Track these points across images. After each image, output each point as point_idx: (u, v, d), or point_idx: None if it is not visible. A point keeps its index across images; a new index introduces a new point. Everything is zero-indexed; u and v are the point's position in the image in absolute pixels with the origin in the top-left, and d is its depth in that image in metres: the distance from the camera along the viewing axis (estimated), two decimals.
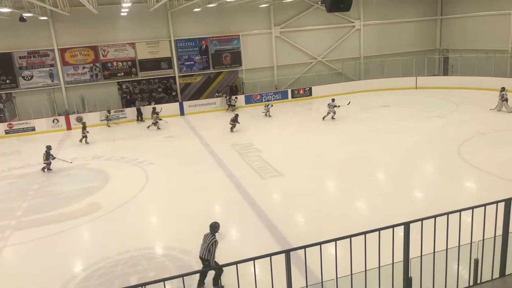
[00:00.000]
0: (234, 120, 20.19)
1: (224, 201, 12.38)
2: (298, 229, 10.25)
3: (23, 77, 24.80)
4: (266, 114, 23.26)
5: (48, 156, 15.84)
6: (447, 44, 31.90)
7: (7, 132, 23.23)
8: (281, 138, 18.72)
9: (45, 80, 25.19)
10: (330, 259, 4.33)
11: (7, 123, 23.45)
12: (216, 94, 27.77)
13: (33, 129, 23.55)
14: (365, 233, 3.97)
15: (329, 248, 4.26)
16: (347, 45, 30.79)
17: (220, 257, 7.65)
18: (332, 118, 21.09)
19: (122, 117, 24.81)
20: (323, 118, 21.23)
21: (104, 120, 23.80)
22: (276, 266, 3.98)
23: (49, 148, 16.07)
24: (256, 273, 3.98)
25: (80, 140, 20.22)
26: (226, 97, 26.32)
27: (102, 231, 10.87)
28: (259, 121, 22.50)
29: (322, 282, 4.34)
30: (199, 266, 8.50)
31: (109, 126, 23.73)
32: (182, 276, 3.68)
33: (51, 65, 25.12)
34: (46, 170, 15.96)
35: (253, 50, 28.66)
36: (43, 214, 12.11)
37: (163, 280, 3.59)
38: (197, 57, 27.66)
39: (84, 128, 20.31)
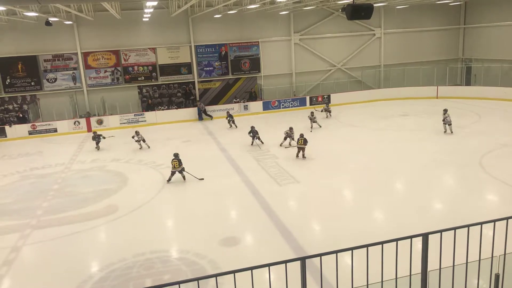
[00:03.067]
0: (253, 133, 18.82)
1: (239, 206, 12.38)
2: (313, 237, 10.16)
3: (47, 80, 25.45)
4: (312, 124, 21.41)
5: (180, 163, 14.50)
6: (470, 54, 31.34)
7: (30, 133, 23.85)
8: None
9: (68, 82, 25.79)
10: (346, 268, 4.28)
11: (30, 124, 24.08)
12: (234, 100, 27.92)
13: (55, 130, 24.11)
14: (382, 243, 3.90)
15: (345, 257, 4.21)
16: (367, 53, 30.57)
17: (235, 262, 7.65)
18: (446, 131, 18.65)
19: (142, 121, 25.17)
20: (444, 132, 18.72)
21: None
22: (291, 274, 3.95)
23: (176, 156, 14.66)
24: (271, 280, 3.96)
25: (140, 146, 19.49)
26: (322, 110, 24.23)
27: (119, 233, 11.00)
28: (276, 127, 22.48)
29: None
30: (213, 270, 8.52)
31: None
32: (197, 279, 3.69)
33: (74, 68, 25.72)
34: (184, 178, 14.48)
35: (272, 56, 28.74)
36: (62, 214, 12.34)
37: (178, 283, 3.61)
38: (216, 63, 27.90)
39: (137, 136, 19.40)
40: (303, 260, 3.69)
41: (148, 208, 12.40)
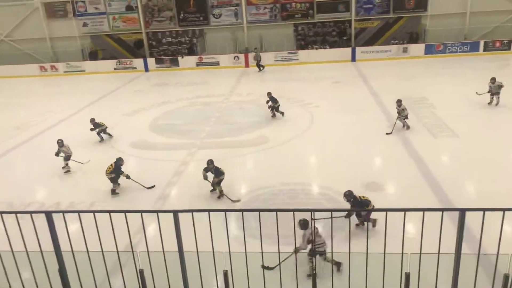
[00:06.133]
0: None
1: (386, 154, 11.95)
2: (465, 195, 9.32)
3: (213, 15, 27.48)
4: None
5: (117, 170, 9.85)
6: None
7: (197, 65, 26.62)
8: (461, 95, 16.63)
9: (230, 18, 27.42)
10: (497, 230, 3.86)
11: (198, 57, 26.78)
12: (392, 41, 25.92)
13: (217, 63, 26.37)
14: None
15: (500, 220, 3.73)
16: None
17: (377, 206, 7.61)
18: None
19: (295, 59, 25.56)
20: None
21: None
22: (431, 225, 3.72)
23: (119, 162, 9.95)
24: (405, 227, 3.80)
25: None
26: None
27: (267, 162, 11.86)
28: (438, 75, 20.34)
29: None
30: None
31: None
32: (331, 211, 3.79)
33: (237, 4, 27.06)
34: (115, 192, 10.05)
35: None
36: (220, 139, 13.85)
37: (332, 210, 3.82)
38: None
39: None
40: (462, 211, 3.47)
41: (295, 143, 12.97)
